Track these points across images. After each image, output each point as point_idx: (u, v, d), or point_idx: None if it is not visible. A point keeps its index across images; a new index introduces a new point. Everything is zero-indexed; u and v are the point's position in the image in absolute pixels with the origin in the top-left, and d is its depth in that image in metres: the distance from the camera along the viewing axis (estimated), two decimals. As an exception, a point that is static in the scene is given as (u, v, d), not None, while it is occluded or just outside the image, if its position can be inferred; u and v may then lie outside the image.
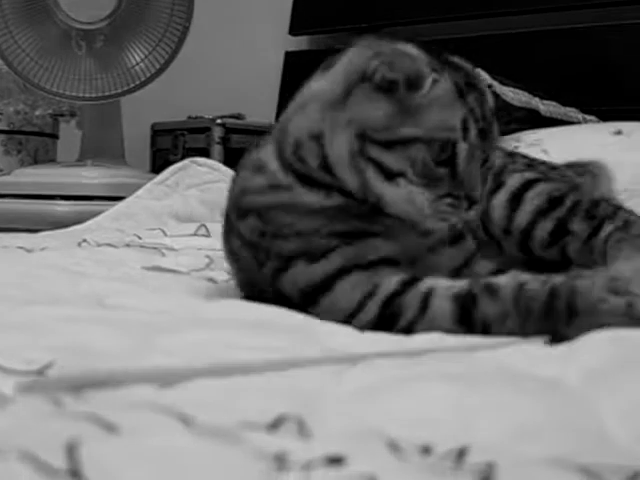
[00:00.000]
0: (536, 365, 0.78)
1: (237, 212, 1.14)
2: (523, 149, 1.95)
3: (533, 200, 1.23)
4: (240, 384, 0.69)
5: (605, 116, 2.27)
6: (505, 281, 0.97)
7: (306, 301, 1.04)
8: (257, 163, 1.13)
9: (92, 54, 2.73)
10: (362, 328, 0.97)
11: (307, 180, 1.07)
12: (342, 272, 1.03)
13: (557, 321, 0.93)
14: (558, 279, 0.96)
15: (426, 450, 0.55)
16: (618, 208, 1.21)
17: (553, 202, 1.23)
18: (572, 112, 2.27)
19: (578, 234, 1.18)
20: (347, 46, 1.11)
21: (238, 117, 3.09)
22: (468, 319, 0.96)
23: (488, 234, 1.25)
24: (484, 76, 2.05)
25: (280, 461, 0.51)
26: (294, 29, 3.10)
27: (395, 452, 0.54)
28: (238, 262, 1.16)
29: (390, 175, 1.02)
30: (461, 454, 0.54)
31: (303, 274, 1.04)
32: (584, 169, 1.45)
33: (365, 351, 0.82)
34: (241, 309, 1.03)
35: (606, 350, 0.80)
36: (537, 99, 2.22)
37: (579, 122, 2.25)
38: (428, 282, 1.00)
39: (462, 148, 1.01)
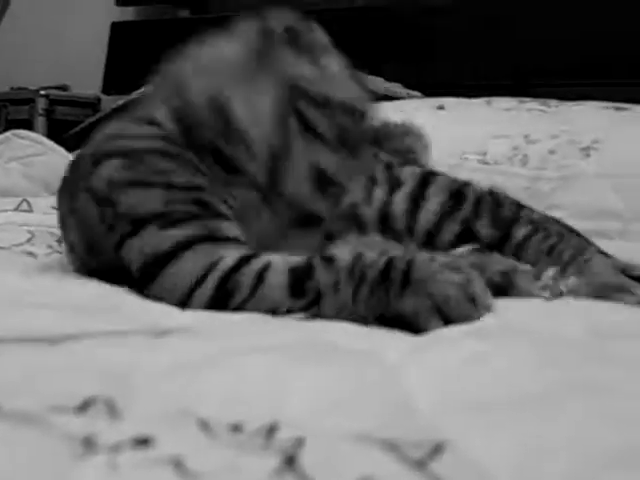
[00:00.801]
0: (352, 340, 0.79)
1: (95, 157, 1.08)
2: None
3: (435, 197, 1.25)
4: (48, 365, 0.67)
5: (430, 93, 2.31)
6: (345, 253, 0.96)
7: (146, 276, 1.01)
8: (146, 117, 1.11)
9: None
10: (200, 307, 0.96)
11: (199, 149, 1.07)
12: (192, 242, 1.00)
13: (389, 289, 0.90)
14: (398, 252, 0.96)
15: (236, 428, 0.55)
16: (519, 206, 1.24)
17: (455, 197, 1.25)
18: (396, 87, 2.31)
19: (486, 239, 1.21)
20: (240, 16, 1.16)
21: (63, 88, 3.02)
22: (301, 290, 0.94)
23: (389, 228, 1.25)
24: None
25: (88, 444, 0.50)
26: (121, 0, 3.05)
27: (205, 431, 0.54)
28: (79, 226, 1.11)
29: (313, 134, 1.04)
30: (271, 430, 0.54)
31: (154, 238, 1.01)
32: (407, 129, 1.53)
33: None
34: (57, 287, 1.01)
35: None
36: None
37: (403, 98, 2.29)
38: (265, 257, 0.98)
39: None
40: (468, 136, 1.92)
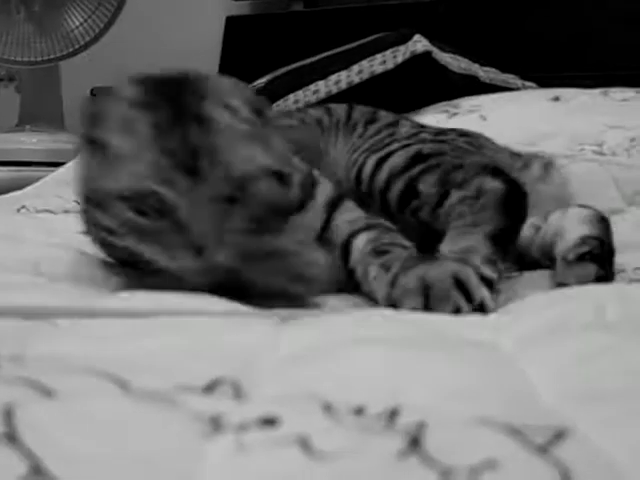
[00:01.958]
0: (474, 331, 0.80)
1: None
2: (461, 115, 1.97)
3: (395, 159, 1.22)
4: (176, 346, 0.69)
5: (544, 83, 2.29)
6: None
7: None
8: None
9: (31, 18, 2.70)
10: None
11: None
12: None
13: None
14: None
15: (359, 411, 0.56)
16: (477, 174, 1.14)
17: (414, 160, 1.21)
18: (512, 78, 2.29)
19: (426, 198, 1.16)
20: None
21: (179, 82, 3.07)
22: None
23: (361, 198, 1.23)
24: (424, 42, 2.06)
25: (215, 423, 0.52)
26: (235, -6, 3.09)
27: (328, 413, 0.55)
28: None
29: (115, 234, 0.96)
30: (393, 414, 0.55)
31: None
32: (529, 158, 1.38)
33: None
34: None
35: (540, 316, 0.82)
36: (477, 65, 2.23)
37: (518, 88, 2.27)
38: None
39: (169, 196, 0.91)
40: (584, 127, 1.89)
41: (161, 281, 0.94)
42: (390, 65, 2.05)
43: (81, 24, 2.69)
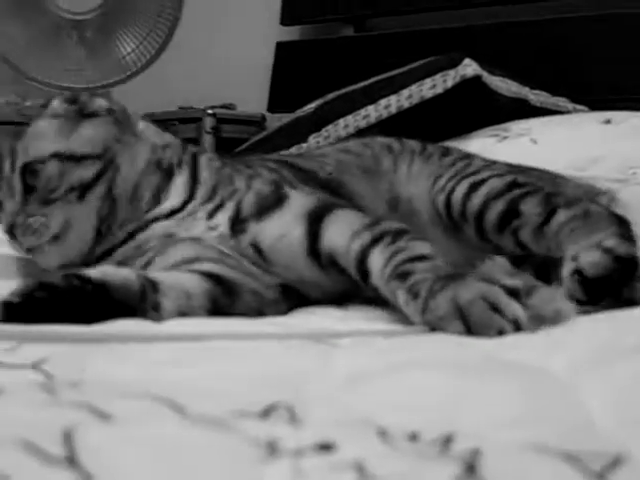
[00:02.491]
0: (522, 354, 0.79)
1: None
2: (511, 139, 1.96)
3: (492, 183, 1.24)
4: (230, 371, 0.70)
5: (595, 106, 2.27)
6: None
7: None
8: None
9: (83, 44, 2.73)
10: None
11: None
12: None
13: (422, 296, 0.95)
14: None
15: (414, 436, 0.56)
16: (580, 200, 1.19)
17: (511, 186, 1.22)
18: (562, 102, 2.28)
19: (528, 217, 1.17)
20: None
21: (229, 107, 3.09)
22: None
23: (452, 221, 1.26)
24: (474, 66, 2.06)
25: (272, 448, 0.52)
26: (285, 19, 3.11)
27: (383, 438, 0.55)
28: None
29: None
30: (447, 440, 0.55)
31: None
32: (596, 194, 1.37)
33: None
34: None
35: (589, 339, 0.82)
36: (527, 89, 2.23)
37: (569, 112, 2.26)
38: None
39: None
40: (636, 150, 1.88)
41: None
42: (440, 89, 2.05)
43: (133, 50, 2.72)
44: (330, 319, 1.02)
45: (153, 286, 0.98)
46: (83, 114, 1.20)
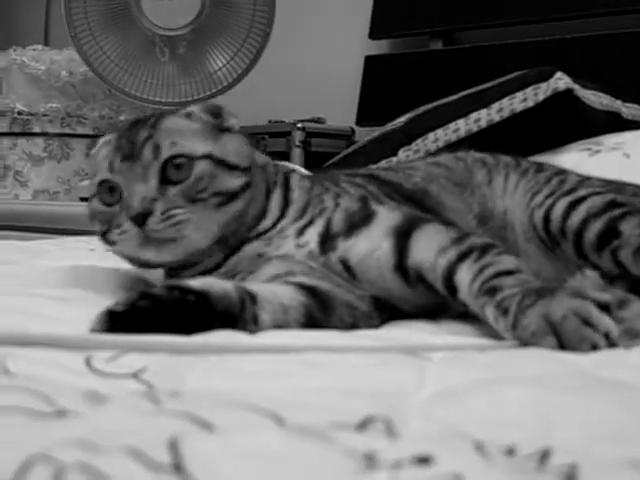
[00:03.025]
0: (619, 371, 0.79)
1: None
2: (604, 153, 1.95)
3: (591, 202, 1.23)
4: (327, 384, 0.71)
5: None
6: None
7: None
8: None
9: (175, 60, 2.78)
10: None
11: None
12: None
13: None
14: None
15: (510, 451, 0.57)
16: None
17: (611, 205, 1.21)
18: (655, 115, 2.25)
19: (628, 238, 1.16)
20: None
21: (318, 121, 3.11)
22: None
23: (550, 237, 1.25)
24: (566, 79, 2.05)
25: (370, 460, 0.53)
26: (374, 33, 3.12)
27: (480, 452, 0.56)
28: None
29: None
30: (545, 455, 0.56)
31: None
32: None
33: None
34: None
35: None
36: (619, 102, 2.20)
37: (662, 125, 2.23)
38: None
39: (115, 180, 1.14)
40: None
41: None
42: (531, 103, 2.04)
43: (224, 65, 2.76)
44: (423, 333, 1.03)
45: (252, 298, 0.99)
46: (220, 128, 1.19)
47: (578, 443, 0.59)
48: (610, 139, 2.05)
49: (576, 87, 2.08)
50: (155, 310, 0.93)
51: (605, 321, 0.90)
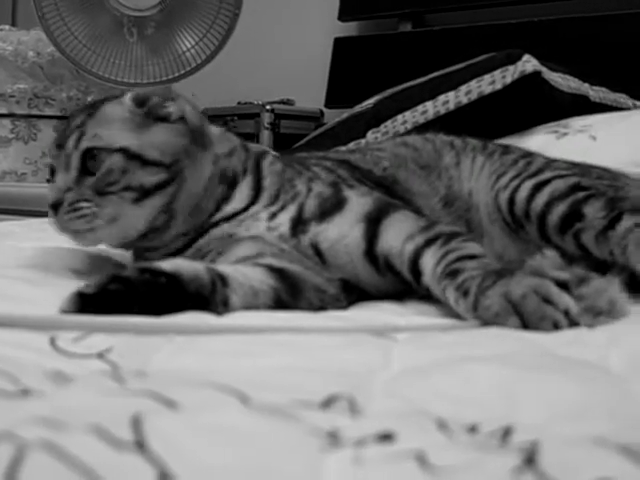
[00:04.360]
0: (580, 349, 0.80)
1: None
2: (571, 136, 1.95)
3: (555, 184, 1.24)
4: (291, 363, 0.71)
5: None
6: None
7: None
8: None
9: (143, 40, 2.76)
10: None
11: None
12: None
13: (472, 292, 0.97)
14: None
15: (473, 429, 0.57)
16: None
17: (575, 188, 1.22)
18: (622, 98, 2.27)
19: (591, 221, 1.17)
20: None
21: (287, 103, 3.11)
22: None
23: (514, 219, 1.26)
24: (533, 62, 2.06)
25: (334, 437, 0.53)
26: (343, 15, 3.12)
27: (443, 430, 0.56)
28: None
29: None
30: (506, 433, 0.56)
31: None
32: None
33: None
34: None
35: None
36: (587, 85, 2.21)
37: (629, 108, 2.24)
38: None
39: (53, 164, 1.19)
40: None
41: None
42: (499, 85, 2.05)
43: (193, 47, 2.75)
44: (389, 313, 1.03)
45: (222, 280, 0.99)
46: (154, 117, 1.18)
47: (540, 421, 0.59)
48: (577, 122, 2.06)
49: (544, 70, 2.08)
50: (126, 292, 0.93)
51: (564, 299, 0.90)
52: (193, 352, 0.76)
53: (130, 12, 2.73)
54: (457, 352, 0.78)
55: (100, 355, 0.75)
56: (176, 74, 2.75)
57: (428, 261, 1.04)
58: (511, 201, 1.26)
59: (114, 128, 1.16)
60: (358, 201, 1.15)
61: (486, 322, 0.92)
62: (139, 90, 1.24)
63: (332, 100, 3.07)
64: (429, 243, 1.06)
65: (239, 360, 0.73)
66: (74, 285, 0.95)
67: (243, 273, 1.03)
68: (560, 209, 1.20)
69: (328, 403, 0.61)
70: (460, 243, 1.04)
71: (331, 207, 1.15)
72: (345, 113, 2.40)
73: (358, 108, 2.36)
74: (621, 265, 1.12)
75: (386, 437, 0.53)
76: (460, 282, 0.97)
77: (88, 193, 1.13)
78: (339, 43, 3.11)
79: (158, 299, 0.93)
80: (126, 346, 0.78)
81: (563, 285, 0.93)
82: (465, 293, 0.96)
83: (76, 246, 1.22)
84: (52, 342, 0.78)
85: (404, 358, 0.76)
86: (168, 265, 0.98)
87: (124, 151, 1.14)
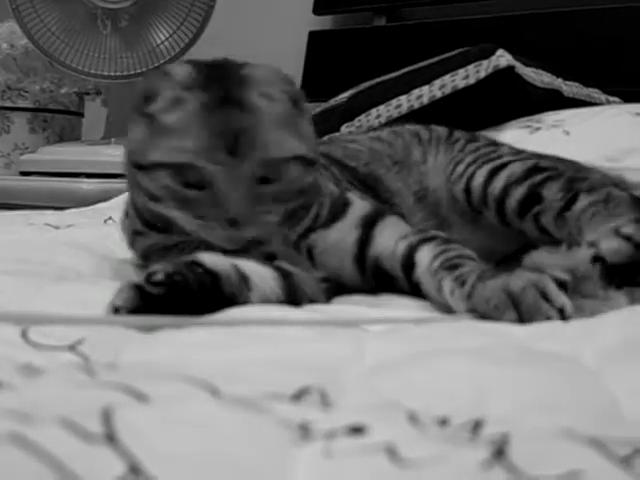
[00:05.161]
0: (554, 343, 0.80)
1: None
2: (544, 130, 1.96)
3: (512, 168, 1.23)
4: (263, 356, 0.71)
5: (628, 98, 2.27)
6: None
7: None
8: None
9: (117, 33, 2.76)
10: None
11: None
12: None
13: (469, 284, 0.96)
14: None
15: (444, 422, 0.58)
16: (605, 185, 1.19)
17: (532, 170, 1.22)
18: (595, 93, 2.28)
19: (550, 203, 1.17)
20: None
21: (262, 96, 3.10)
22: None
23: (471, 206, 1.26)
24: (507, 57, 2.06)
25: (304, 430, 0.53)
26: (318, 9, 3.11)
27: (414, 423, 0.56)
28: None
29: (155, 199, 1.04)
30: (477, 426, 0.56)
31: None
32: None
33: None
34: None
35: (619, 330, 0.82)
36: (560, 80, 2.22)
37: (602, 103, 2.25)
38: None
39: (211, 171, 1.00)
40: (669, 143, 1.87)
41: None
42: (472, 80, 2.05)
43: (167, 39, 2.74)
44: (362, 306, 1.03)
45: (245, 281, 0.98)
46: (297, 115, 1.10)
47: (512, 413, 0.60)
48: (550, 116, 2.07)
49: (517, 64, 2.09)
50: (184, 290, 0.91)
51: (561, 297, 0.91)
52: (165, 345, 0.76)
53: (104, 4, 2.72)
54: (430, 345, 0.78)
55: (71, 347, 0.75)
56: (150, 66, 2.74)
57: (425, 255, 1.04)
58: (467, 189, 1.27)
59: (280, 134, 1.06)
60: (359, 204, 1.15)
61: (479, 313, 0.92)
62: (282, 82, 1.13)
63: (306, 94, 3.05)
64: (425, 241, 1.06)
65: (211, 353, 0.73)
66: (45, 277, 0.94)
67: (261, 276, 1.01)
68: (518, 192, 1.20)
69: (299, 396, 0.61)
70: (458, 246, 1.05)
71: (339, 209, 1.14)
72: (319, 107, 2.40)
73: (332, 102, 2.36)
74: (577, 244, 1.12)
75: (357, 430, 0.53)
76: (458, 274, 0.98)
77: (270, 204, 1.05)
78: (314, 37, 3.11)
79: (204, 298, 0.92)
80: (97, 338, 0.78)
81: (562, 285, 0.93)
82: (462, 284, 0.96)
83: (47, 238, 1.21)
84: (23, 334, 0.77)
85: (376, 351, 0.76)
86: (207, 259, 0.95)
87: (299, 158, 1.06)
